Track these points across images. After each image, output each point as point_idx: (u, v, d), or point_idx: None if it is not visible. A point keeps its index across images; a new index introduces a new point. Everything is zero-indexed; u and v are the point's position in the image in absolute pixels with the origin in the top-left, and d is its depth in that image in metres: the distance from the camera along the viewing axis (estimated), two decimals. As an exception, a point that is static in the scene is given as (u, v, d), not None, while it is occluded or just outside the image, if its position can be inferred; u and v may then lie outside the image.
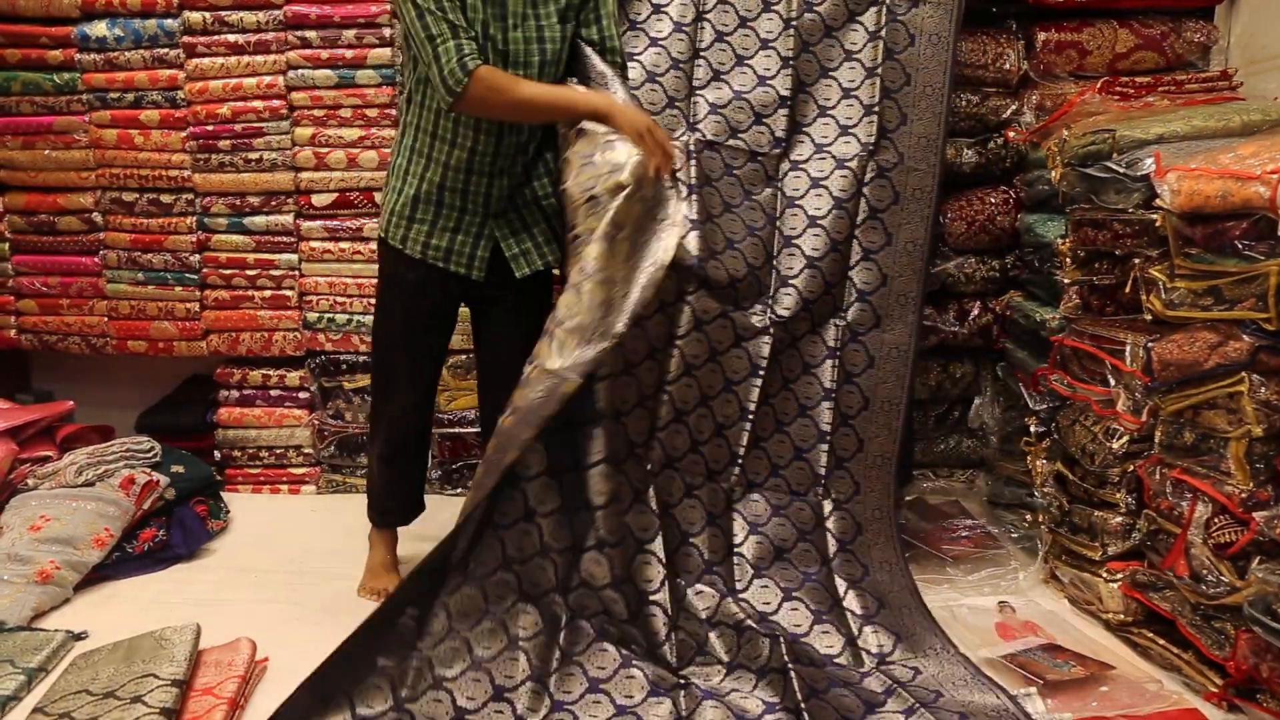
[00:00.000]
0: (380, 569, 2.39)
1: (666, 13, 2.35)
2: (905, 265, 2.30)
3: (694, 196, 2.23)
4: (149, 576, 2.49)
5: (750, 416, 2.22)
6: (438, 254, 2.17)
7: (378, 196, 3.02)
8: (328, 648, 1.74)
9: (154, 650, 1.92)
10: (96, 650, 1.99)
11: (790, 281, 2.27)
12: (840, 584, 2.15)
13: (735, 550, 2.19)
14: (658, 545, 2.05)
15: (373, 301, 3.01)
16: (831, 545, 2.21)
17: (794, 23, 2.34)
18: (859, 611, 2.09)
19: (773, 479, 2.25)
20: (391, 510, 2.42)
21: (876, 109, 2.33)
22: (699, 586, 2.09)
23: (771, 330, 2.23)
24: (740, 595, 2.11)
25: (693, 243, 2.17)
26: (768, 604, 2.11)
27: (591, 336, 1.86)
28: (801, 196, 2.31)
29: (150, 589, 2.42)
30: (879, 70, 2.33)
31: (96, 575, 2.41)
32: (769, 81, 2.34)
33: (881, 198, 2.31)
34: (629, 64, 2.29)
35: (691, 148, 2.28)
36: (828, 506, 2.25)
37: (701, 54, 2.34)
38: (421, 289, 2.21)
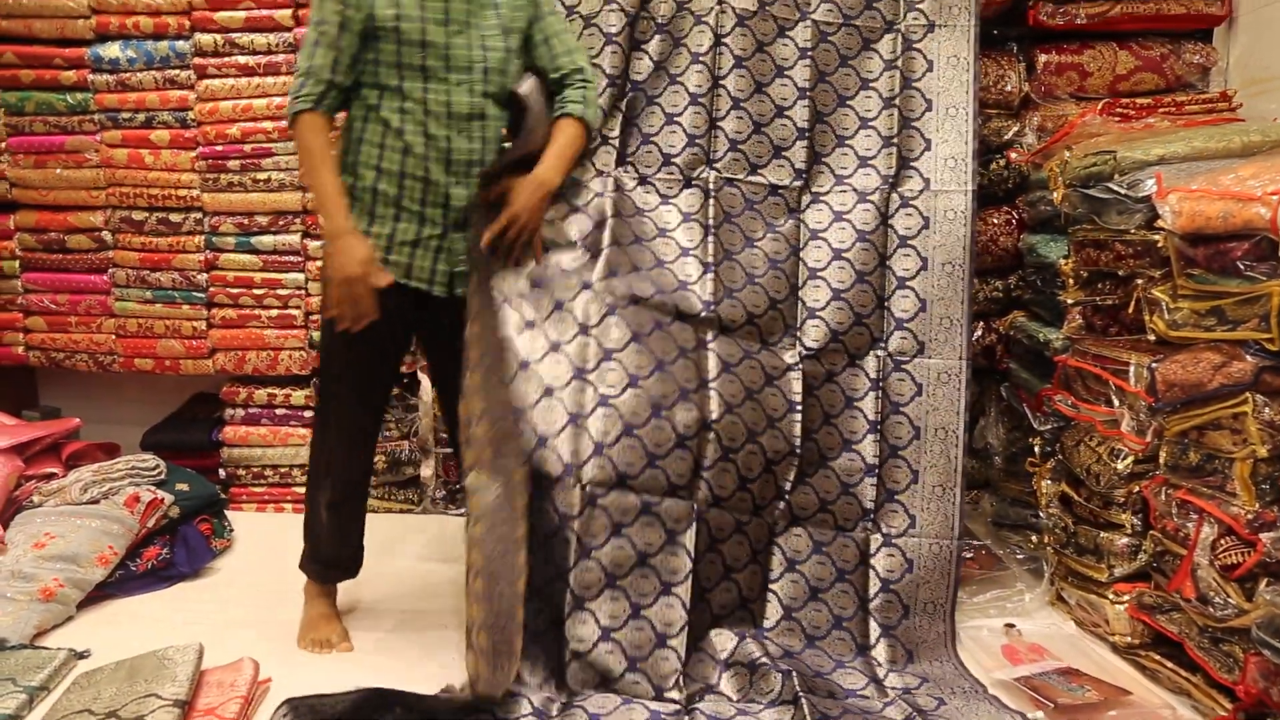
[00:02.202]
0: (320, 620, 2.22)
1: (684, 45, 2.33)
2: (945, 288, 2.24)
3: (710, 237, 2.21)
4: (152, 595, 2.48)
5: (797, 451, 2.15)
6: (397, 270, 2.07)
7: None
8: (331, 669, 1.73)
9: (156, 670, 1.91)
10: (99, 669, 1.98)
11: (817, 314, 2.23)
12: (874, 629, 2.09)
13: (769, 586, 2.13)
14: (684, 589, 1.98)
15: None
16: (874, 585, 2.14)
17: (810, 53, 2.32)
18: (883, 660, 2.05)
19: (820, 514, 2.17)
20: (338, 564, 2.26)
21: (896, 140, 2.30)
22: (721, 628, 2.03)
23: (801, 364, 2.19)
24: (766, 634, 2.07)
25: (706, 287, 2.16)
26: (792, 646, 2.06)
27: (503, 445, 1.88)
28: (824, 229, 2.28)
29: (153, 608, 2.41)
30: (897, 101, 2.31)
31: (100, 593, 2.40)
32: (786, 113, 2.32)
33: (910, 225, 2.27)
34: (650, 107, 2.30)
35: (711, 186, 2.26)
36: (876, 542, 2.16)
37: (721, 82, 2.31)
38: (378, 310, 2.04)
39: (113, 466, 2.68)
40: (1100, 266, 2.20)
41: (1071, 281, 2.33)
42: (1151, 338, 1.98)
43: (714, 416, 2.06)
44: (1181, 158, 2.08)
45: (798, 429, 2.15)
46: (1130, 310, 2.08)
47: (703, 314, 2.15)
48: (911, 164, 2.30)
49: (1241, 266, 1.73)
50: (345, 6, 1.97)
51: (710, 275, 2.18)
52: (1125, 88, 2.75)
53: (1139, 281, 2.04)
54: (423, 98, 2.02)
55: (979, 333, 2.84)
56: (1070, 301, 2.32)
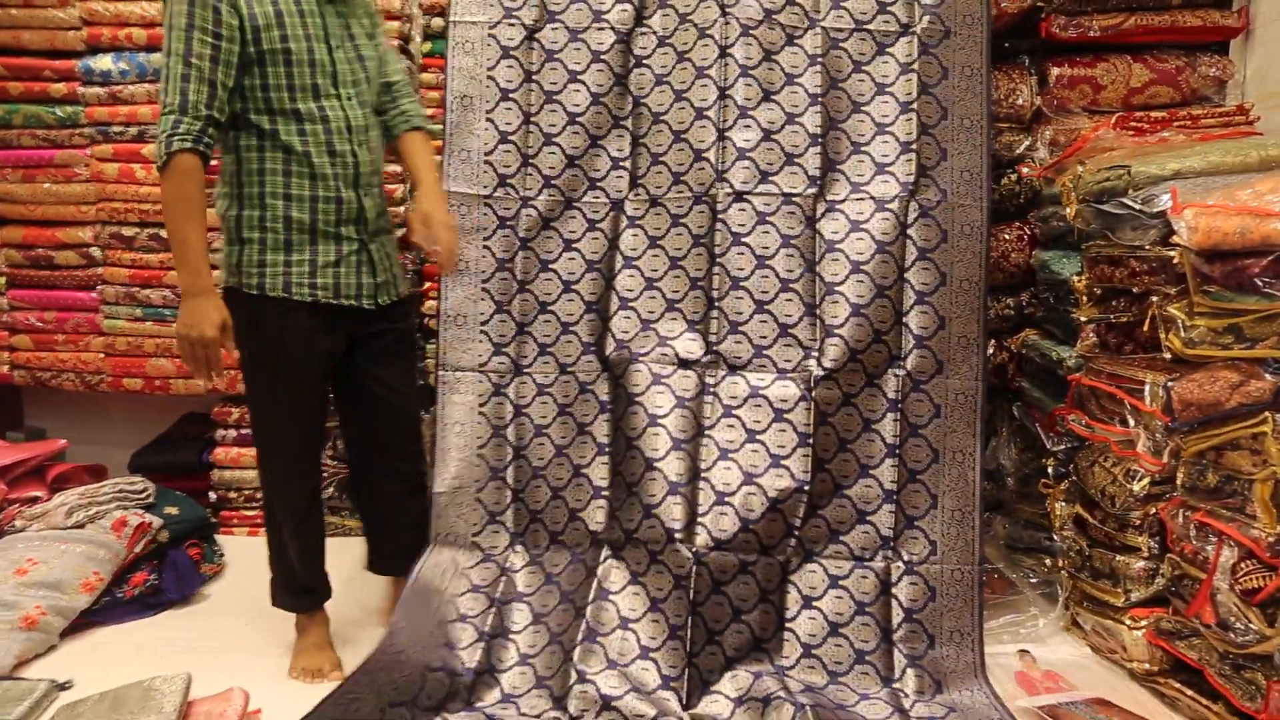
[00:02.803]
0: (313, 649, 2.23)
1: (689, 59, 2.34)
2: (963, 305, 2.23)
3: (715, 269, 2.24)
4: (139, 622, 2.47)
5: (806, 487, 2.14)
6: (326, 292, 2.11)
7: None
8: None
9: (142, 700, 1.89)
10: (82, 700, 1.96)
11: (836, 331, 2.20)
12: (899, 660, 2.08)
13: (787, 625, 2.12)
14: (685, 632, 2.04)
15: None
16: (896, 615, 2.12)
17: (820, 59, 2.30)
18: (911, 691, 2.03)
19: (832, 545, 2.16)
20: (314, 589, 2.28)
21: (914, 146, 2.27)
22: (736, 670, 2.05)
23: (815, 390, 2.18)
24: (786, 672, 2.06)
25: (709, 326, 2.23)
26: (814, 682, 2.05)
27: None
28: (841, 240, 2.25)
29: (140, 636, 2.40)
30: (914, 105, 2.28)
31: (84, 621, 2.39)
32: (797, 119, 2.29)
33: (929, 237, 2.23)
34: (657, 124, 2.33)
35: (719, 204, 2.26)
36: (897, 570, 2.14)
37: (727, 93, 2.30)
38: (313, 336, 2.12)
39: (99, 489, 2.66)
40: (1114, 283, 2.20)
41: (1085, 299, 2.33)
42: (1167, 356, 1.97)
43: (704, 465, 2.16)
44: (1197, 172, 2.08)
45: (808, 464, 2.14)
46: (1145, 328, 2.08)
47: (704, 358, 2.22)
48: (929, 173, 2.28)
49: (1260, 283, 1.73)
50: (219, 39, 1.96)
51: (715, 312, 2.22)
52: (1139, 101, 2.75)
53: (1154, 299, 2.04)
54: (322, 116, 2.07)
55: (990, 351, 2.83)
56: (1084, 319, 2.32)
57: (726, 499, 2.12)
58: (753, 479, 2.13)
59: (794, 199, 2.26)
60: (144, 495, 2.72)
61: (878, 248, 2.23)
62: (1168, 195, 1.99)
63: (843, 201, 2.28)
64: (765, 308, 2.22)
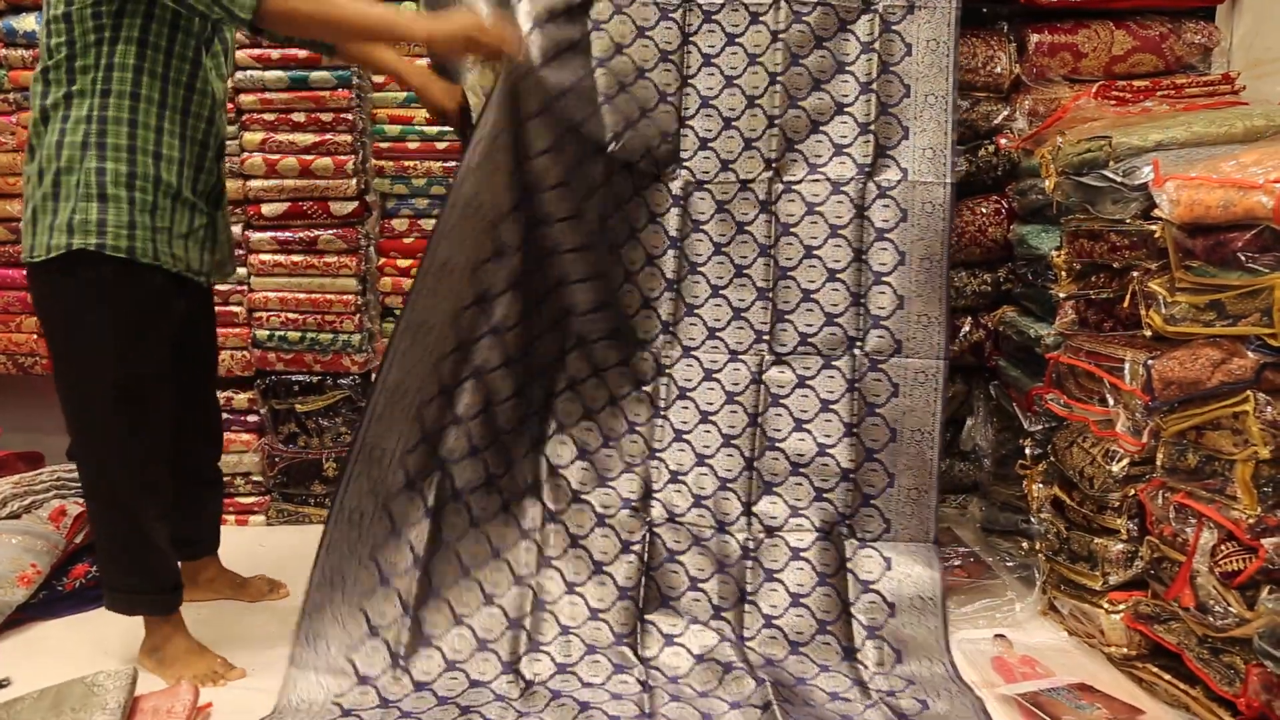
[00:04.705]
0: (190, 655, 2.12)
1: (650, 37, 2.36)
2: (923, 284, 2.28)
3: (671, 252, 2.32)
4: (80, 616, 2.43)
5: (755, 466, 2.26)
6: (179, 263, 2.05)
7: (333, 206, 3.00)
8: (273, 690, 1.70)
9: (85, 697, 1.87)
10: (20, 699, 1.93)
11: (787, 316, 2.30)
12: (859, 632, 2.14)
13: (748, 598, 2.19)
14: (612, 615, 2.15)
15: (327, 318, 3.03)
16: (854, 588, 2.19)
17: (781, 35, 2.35)
18: (872, 665, 2.09)
19: (794, 519, 2.25)
20: (179, 582, 2.17)
21: (873, 128, 2.32)
22: (699, 628, 2.14)
23: (766, 373, 2.30)
24: (746, 642, 2.13)
25: (665, 307, 2.33)
26: (774, 654, 2.12)
27: None
28: (796, 224, 2.32)
29: (81, 631, 2.36)
30: (874, 86, 2.33)
31: (21, 616, 2.36)
32: (757, 101, 2.35)
33: (888, 218, 2.30)
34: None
35: (678, 192, 2.34)
36: (851, 546, 2.23)
37: (690, 81, 2.37)
38: (171, 309, 2.08)
39: (35, 478, 2.63)
40: (1094, 258, 2.21)
41: (1064, 274, 2.34)
42: (1148, 333, 1.99)
43: (659, 446, 2.29)
44: (1180, 143, 2.09)
45: (758, 443, 2.27)
46: (1126, 304, 2.09)
47: (656, 339, 2.33)
48: (889, 152, 2.33)
49: (1242, 258, 1.74)
50: None
51: (669, 296, 2.32)
52: (1122, 69, 2.76)
53: (1135, 274, 2.05)
54: (200, 82, 2.05)
55: (966, 328, 2.85)
56: (1062, 295, 2.34)
57: (680, 477, 2.25)
58: (704, 460, 2.27)
59: (749, 185, 2.34)
60: (83, 483, 2.68)
61: (831, 231, 2.31)
62: (1149, 167, 2.00)
63: (799, 183, 2.34)
64: (720, 292, 2.34)
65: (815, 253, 2.30)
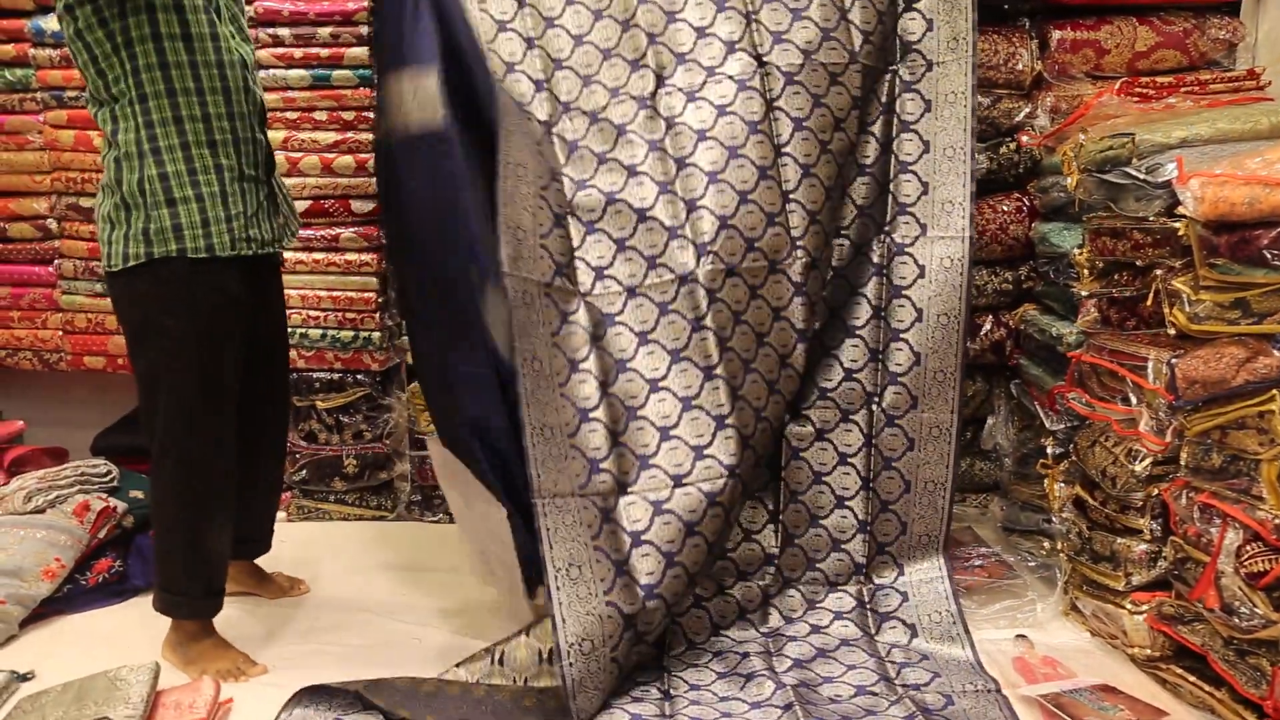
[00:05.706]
0: (218, 649, 2.14)
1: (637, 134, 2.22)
2: (939, 341, 2.27)
3: (707, 322, 2.14)
4: (104, 610, 2.45)
5: (780, 518, 2.29)
6: (257, 244, 2.09)
7: (355, 205, 3.01)
8: (296, 688, 1.71)
9: (108, 691, 1.89)
10: (45, 691, 1.95)
11: (808, 378, 2.30)
12: (883, 648, 2.19)
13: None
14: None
15: (348, 315, 3.05)
16: (872, 623, 2.25)
17: (792, 117, 2.22)
18: (894, 645, 2.17)
19: (809, 573, 2.30)
20: (224, 587, 2.20)
21: (890, 187, 2.32)
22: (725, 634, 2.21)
23: (790, 437, 2.29)
24: (773, 655, 2.17)
25: (714, 397, 2.13)
26: (802, 654, 2.15)
27: None
28: (822, 288, 2.28)
29: (104, 624, 2.39)
30: (893, 146, 2.32)
31: (46, 609, 2.38)
32: (769, 173, 2.19)
33: (905, 275, 2.30)
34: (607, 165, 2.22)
35: (702, 279, 2.13)
36: (869, 591, 2.30)
37: (687, 162, 2.20)
38: (239, 297, 2.08)
39: (60, 473, 2.65)
40: (1117, 256, 2.19)
41: (1086, 272, 2.32)
42: (1171, 332, 1.97)
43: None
44: (1205, 140, 2.07)
45: (781, 498, 2.28)
46: (1149, 302, 2.08)
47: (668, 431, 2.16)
48: (908, 210, 2.31)
49: (1268, 255, 1.73)
50: None
51: (721, 383, 2.14)
52: (1145, 66, 2.74)
53: (1158, 272, 2.04)
54: (215, 55, 2.03)
55: (988, 327, 2.84)
56: (1085, 293, 2.32)
57: (696, 529, 2.08)
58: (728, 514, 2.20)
59: (778, 267, 2.20)
60: (107, 478, 2.71)
61: (851, 291, 2.32)
62: (1173, 164, 1.98)
63: (822, 253, 2.28)
64: (752, 368, 2.20)
65: (838, 313, 2.32)
